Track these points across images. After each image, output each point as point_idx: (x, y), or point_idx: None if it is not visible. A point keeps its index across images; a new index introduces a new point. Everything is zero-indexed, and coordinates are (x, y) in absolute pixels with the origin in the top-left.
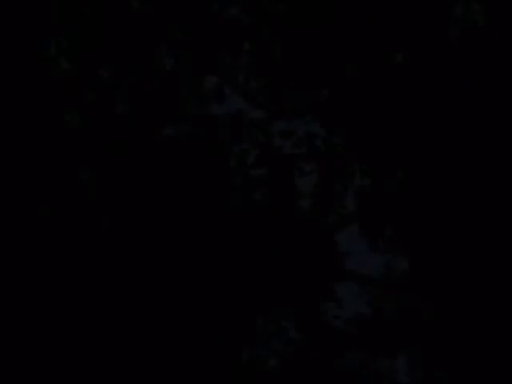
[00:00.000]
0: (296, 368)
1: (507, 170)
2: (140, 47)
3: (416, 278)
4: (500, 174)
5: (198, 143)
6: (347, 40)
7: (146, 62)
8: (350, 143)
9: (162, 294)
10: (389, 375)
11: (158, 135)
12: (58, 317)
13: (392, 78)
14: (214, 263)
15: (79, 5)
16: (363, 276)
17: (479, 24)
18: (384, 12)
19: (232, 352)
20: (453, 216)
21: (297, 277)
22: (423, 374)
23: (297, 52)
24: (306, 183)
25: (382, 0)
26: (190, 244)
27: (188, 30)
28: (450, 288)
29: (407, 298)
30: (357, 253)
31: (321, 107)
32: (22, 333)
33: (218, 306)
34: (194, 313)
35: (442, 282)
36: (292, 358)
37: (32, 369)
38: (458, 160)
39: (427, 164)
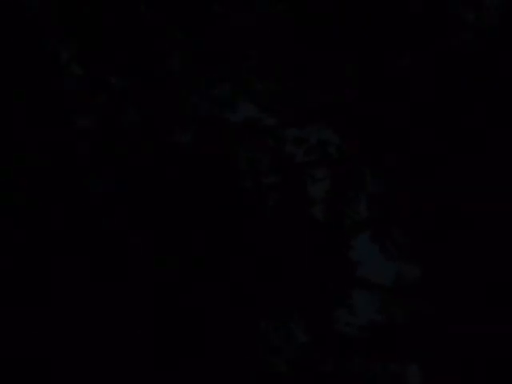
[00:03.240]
0: (303, 371)
1: None
2: (149, 51)
3: (427, 284)
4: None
5: (209, 148)
6: (348, 40)
7: (156, 67)
8: (362, 149)
9: (163, 295)
10: (399, 381)
11: (167, 139)
12: (57, 316)
13: (395, 78)
14: (222, 267)
15: (79, 5)
16: (375, 283)
17: (490, 26)
18: (385, 12)
19: (235, 354)
20: (463, 222)
21: (309, 282)
22: (434, 381)
23: (297, 52)
24: (318, 190)
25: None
26: (197, 247)
27: (200, 33)
28: (461, 295)
29: (418, 304)
30: (368, 259)
31: (332, 113)
32: (21, 332)
33: (224, 309)
34: (198, 315)
35: (452, 288)
36: (299, 361)
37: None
38: (466, 163)
39: (437, 168)
